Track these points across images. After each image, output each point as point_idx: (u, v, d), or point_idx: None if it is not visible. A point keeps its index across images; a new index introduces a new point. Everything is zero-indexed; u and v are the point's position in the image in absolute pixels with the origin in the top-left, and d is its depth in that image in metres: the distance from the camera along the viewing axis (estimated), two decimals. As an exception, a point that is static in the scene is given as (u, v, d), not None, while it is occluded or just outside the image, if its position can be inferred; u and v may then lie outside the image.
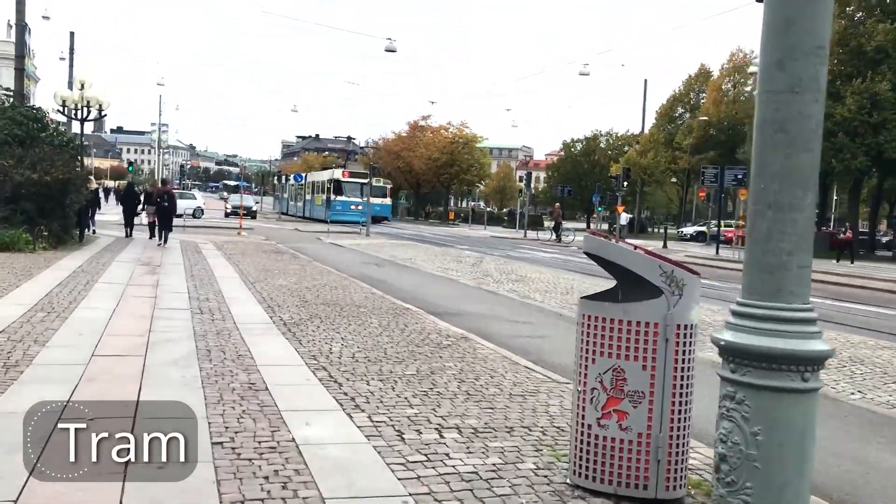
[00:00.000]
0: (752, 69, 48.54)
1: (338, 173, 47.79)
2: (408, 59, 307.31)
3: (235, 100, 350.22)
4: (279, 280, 13.60)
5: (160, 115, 66.57)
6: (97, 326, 8.17)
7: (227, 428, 4.96)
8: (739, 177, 32.35)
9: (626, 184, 33.53)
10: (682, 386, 4.22)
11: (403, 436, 4.99)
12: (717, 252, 32.04)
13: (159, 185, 25.47)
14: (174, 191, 26.49)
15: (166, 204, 20.71)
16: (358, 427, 5.13)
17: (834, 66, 36.63)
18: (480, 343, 8.51)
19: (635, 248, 4.43)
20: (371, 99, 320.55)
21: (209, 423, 5.00)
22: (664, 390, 4.20)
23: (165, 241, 20.60)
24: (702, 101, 60.22)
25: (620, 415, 4.25)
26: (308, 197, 54.28)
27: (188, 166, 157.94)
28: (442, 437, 5.03)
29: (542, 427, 5.41)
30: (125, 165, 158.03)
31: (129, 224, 23.44)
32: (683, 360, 4.22)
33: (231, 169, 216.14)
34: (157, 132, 75.77)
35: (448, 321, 10.13)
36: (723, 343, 3.46)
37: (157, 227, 21.34)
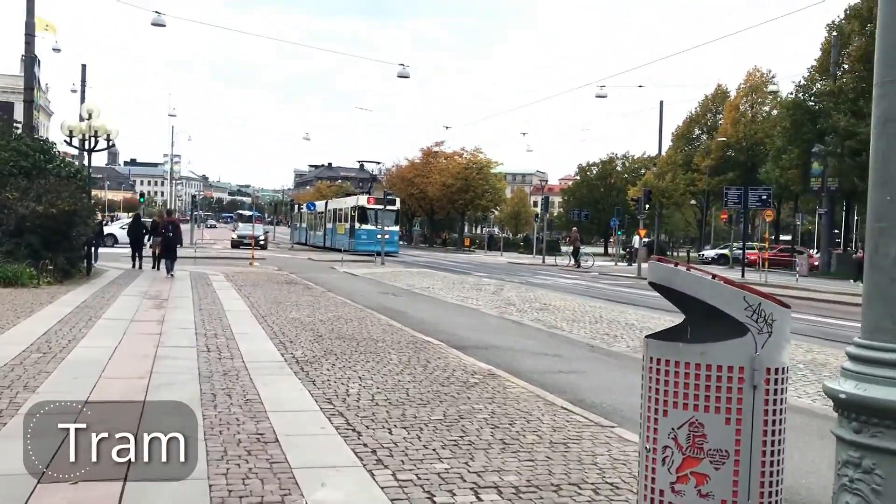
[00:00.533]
0: (771, 88, 47.90)
1: (362, 200, 44.26)
2: (421, 81, 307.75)
3: (248, 129, 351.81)
4: (291, 313, 12.95)
5: (172, 146, 66.31)
6: (94, 369, 7.52)
7: (230, 492, 4.26)
8: (764, 197, 31.59)
9: (647, 207, 32.76)
10: (773, 443, 3.49)
11: (434, 499, 4.29)
12: (742, 276, 31.15)
13: (165, 215, 25.29)
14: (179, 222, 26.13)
15: (171, 234, 20.53)
16: (381, 488, 4.43)
17: (856, 83, 35.98)
18: (510, 380, 7.80)
19: (713, 276, 3.74)
20: (384, 121, 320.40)
21: (210, 486, 4.31)
22: (752, 448, 3.47)
23: (171, 271, 20.34)
24: (719, 121, 59.50)
25: (699, 478, 3.52)
26: (329, 225, 51.26)
27: (200, 197, 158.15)
28: (479, 499, 4.32)
29: (592, 484, 4.69)
30: (138, 198, 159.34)
31: (136, 256, 23.24)
32: (774, 412, 3.49)
33: (244, 199, 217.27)
34: (169, 163, 75.64)
35: (473, 355, 9.42)
36: (843, 396, 2.76)
37: (161, 258, 21.25)
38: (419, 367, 8.27)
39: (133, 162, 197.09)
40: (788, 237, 65.67)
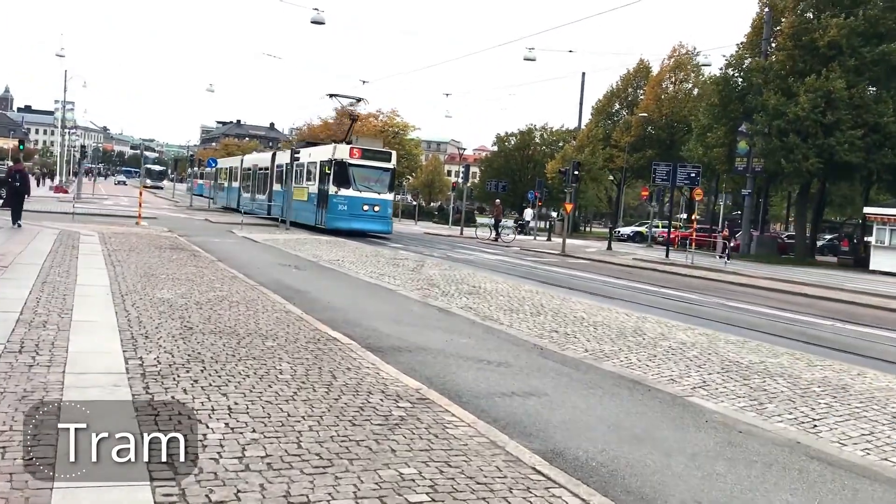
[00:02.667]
0: (701, 61, 46.75)
1: (342, 150, 28.94)
2: (337, 30, 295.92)
3: (149, 77, 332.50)
4: (163, 290, 10.27)
5: (65, 91, 60.87)
6: None
7: None
8: (692, 175, 30.17)
9: (576, 180, 30.94)
10: None
11: None
12: (666, 255, 29.77)
13: (12, 163, 23.86)
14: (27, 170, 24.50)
15: (17, 184, 19.68)
16: None
17: (786, 62, 34.93)
18: (450, 412, 5.48)
19: None
20: (295, 75, 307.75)
21: None
22: None
23: (17, 222, 19.31)
24: (640, 97, 58.41)
25: None
26: (277, 187, 36.17)
27: (98, 148, 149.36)
28: None
29: None
30: (31, 145, 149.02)
31: None
32: None
33: (148, 153, 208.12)
34: (61, 110, 69.78)
35: (395, 363, 7.08)
36: None
37: (9, 209, 19.95)
38: (320, 388, 5.86)
39: (28, 109, 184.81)
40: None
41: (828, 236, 51.04)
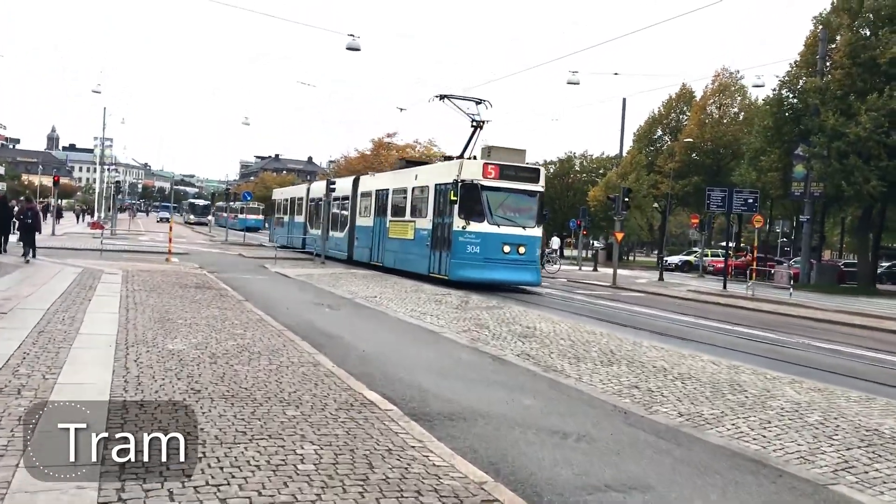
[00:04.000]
0: (753, 82, 44.93)
1: (472, 168, 20.89)
2: (373, 59, 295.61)
3: (189, 114, 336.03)
4: (175, 340, 8.91)
5: (104, 128, 60.79)
6: None
7: None
8: (749, 201, 28.34)
9: (626, 207, 29.29)
10: None
11: None
12: (724, 287, 27.91)
13: (25, 202, 24.61)
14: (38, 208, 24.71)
15: (29, 221, 20.62)
16: None
17: (843, 80, 33.06)
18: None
19: None
20: (332, 105, 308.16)
21: None
22: None
23: (27, 256, 20.02)
24: (683, 122, 56.66)
25: None
26: (364, 221, 27.78)
27: (138, 185, 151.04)
28: None
29: None
30: (73, 182, 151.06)
31: (2, 240, 22.12)
32: None
33: (187, 189, 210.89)
34: (99, 147, 69.96)
35: (448, 439, 5.62)
36: None
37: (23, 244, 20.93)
38: (352, 485, 4.39)
39: (72, 147, 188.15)
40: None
41: (885, 263, 48.55)
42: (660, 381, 8.24)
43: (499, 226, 20.42)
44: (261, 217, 74.31)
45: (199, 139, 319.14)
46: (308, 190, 37.35)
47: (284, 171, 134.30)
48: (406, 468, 4.78)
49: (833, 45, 34.92)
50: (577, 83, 30.56)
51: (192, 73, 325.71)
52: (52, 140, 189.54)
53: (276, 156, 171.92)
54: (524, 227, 20.69)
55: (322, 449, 5.07)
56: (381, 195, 26.21)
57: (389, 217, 25.04)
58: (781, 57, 77.76)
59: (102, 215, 62.18)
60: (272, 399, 6.36)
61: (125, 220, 71.14)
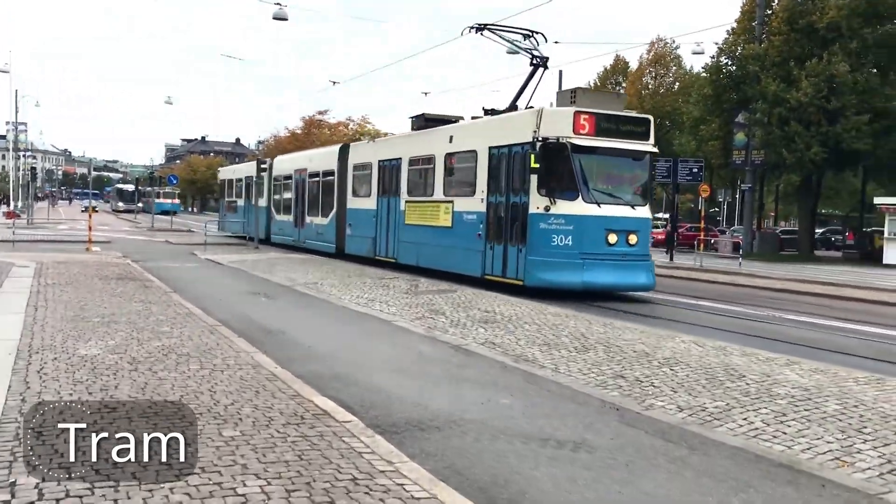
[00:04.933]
0: (694, 49, 44.68)
1: (559, 120, 14.33)
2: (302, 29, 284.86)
3: (109, 96, 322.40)
4: (90, 343, 7.67)
5: (16, 112, 57.43)
6: None
7: None
8: (695, 170, 27.91)
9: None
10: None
11: None
12: (671, 259, 27.49)
13: None
14: None
15: None
16: None
17: (782, 46, 32.86)
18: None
19: None
20: (258, 81, 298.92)
21: None
22: None
23: None
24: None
25: None
26: (371, 203, 21.15)
27: (55, 171, 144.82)
28: None
29: None
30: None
31: None
32: None
33: (110, 175, 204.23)
34: (13, 132, 66.18)
35: (421, 457, 4.62)
36: None
37: None
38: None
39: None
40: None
41: (819, 230, 49.24)
42: (645, 369, 7.37)
43: (599, 204, 14.07)
44: (177, 201, 74.21)
45: (123, 123, 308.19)
46: (271, 167, 30.46)
47: (212, 154, 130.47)
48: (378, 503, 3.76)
49: (770, 11, 34.72)
50: (517, 52, 29.53)
51: (110, 50, 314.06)
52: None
53: (203, 138, 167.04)
54: (633, 206, 14.45)
55: (269, 484, 4.00)
56: (389, 167, 19.96)
57: (405, 196, 18.99)
58: (720, 22, 78.01)
59: (19, 204, 58.93)
60: (205, 415, 5.25)
61: (44, 208, 67.85)
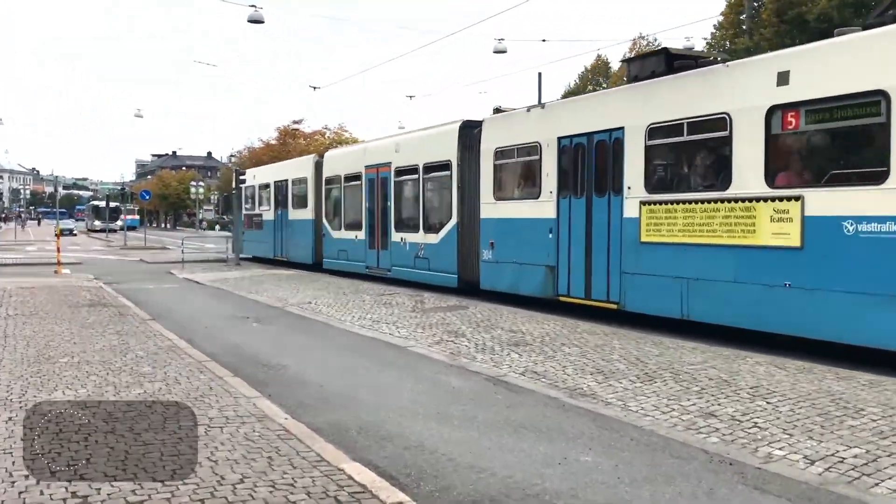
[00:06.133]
0: (685, 45, 43.75)
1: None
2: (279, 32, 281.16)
3: (78, 113, 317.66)
4: (55, 393, 6.28)
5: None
6: None
7: None
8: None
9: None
10: None
11: None
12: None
13: None
14: None
15: None
16: None
17: (773, 39, 31.96)
18: None
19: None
20: (236, 88, 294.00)
21: None
22: None
23: None
24: (600, 94, 55.34)
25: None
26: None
27: (22, 191, 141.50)
28: None
29: None
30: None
31: None
32: None
33: (80, 193, 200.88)
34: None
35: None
36: None
37: None
38: None
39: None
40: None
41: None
42: (736, 403, 6.10)
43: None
44: (136, 217, 79.44)
45: (92, 140, 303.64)
46: (319, 165, 22.18)
47: (184, 168, 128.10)
48: None
49: (757, 3, 33.86)
50: (505, 51, 28.47)
51: (78, 63, 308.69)
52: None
53: (174, 153, 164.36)
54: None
55: None
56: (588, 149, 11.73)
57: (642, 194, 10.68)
58: (704, 16, 76.98)
59: (-15, 225, 56.63)
60: (209, 503, 3.91)
61: (11, 230, 65.55)
